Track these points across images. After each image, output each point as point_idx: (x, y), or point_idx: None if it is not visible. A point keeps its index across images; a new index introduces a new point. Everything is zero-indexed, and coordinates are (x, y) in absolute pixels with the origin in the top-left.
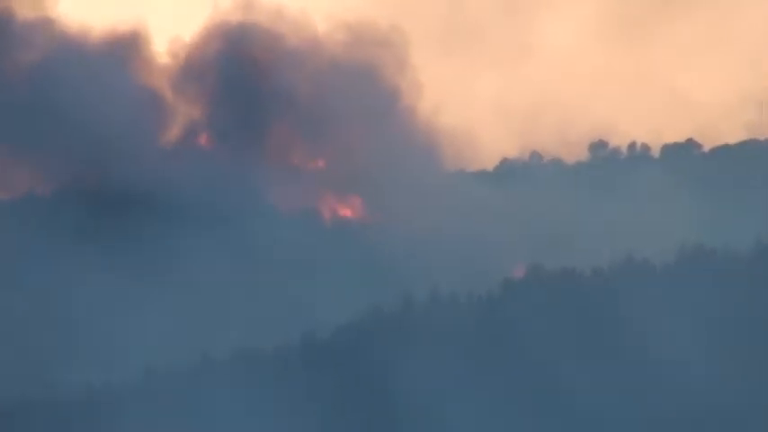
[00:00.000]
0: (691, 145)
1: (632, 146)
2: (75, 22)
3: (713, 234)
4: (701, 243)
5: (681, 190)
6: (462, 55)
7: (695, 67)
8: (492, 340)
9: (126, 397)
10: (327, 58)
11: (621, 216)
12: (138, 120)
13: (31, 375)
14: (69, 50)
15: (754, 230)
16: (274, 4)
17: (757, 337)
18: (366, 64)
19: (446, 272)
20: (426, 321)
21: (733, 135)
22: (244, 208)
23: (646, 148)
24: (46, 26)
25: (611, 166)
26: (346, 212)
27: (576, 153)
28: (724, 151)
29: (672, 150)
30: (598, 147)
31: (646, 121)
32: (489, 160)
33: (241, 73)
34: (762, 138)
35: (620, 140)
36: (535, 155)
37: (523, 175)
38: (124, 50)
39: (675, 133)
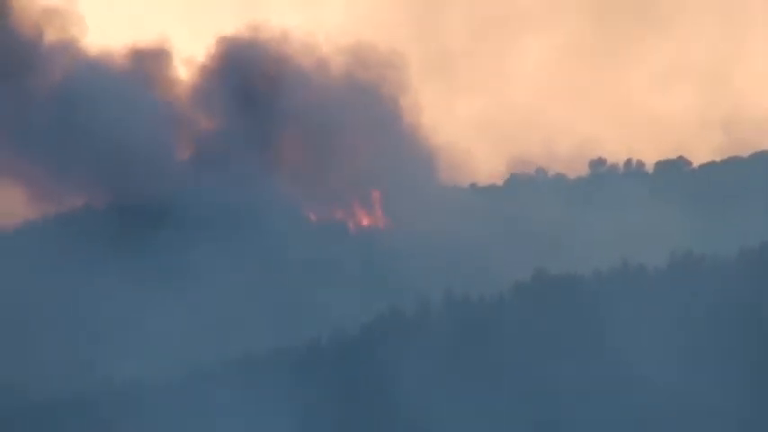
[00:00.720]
0: (681, 162)
1: (628, 162)
2: (97, 43)
3: (702, 242)
4: (690, 250)
5: (672, 202)
6: (451, 77)
7: (666, 89)
8: (502, 340)
9: (153, 395)
10: (332, 78)
11: (619, 225)
12: (158, 134)
13: (61, 376)
14: (94, 70)
15: (738, 238)
16: (281, 27)
17: (741, 335)
18: (368, 83)
19: (459, 276)
20: (440, 322)
21: (704, 154)
22: (259, 217)
23: (640, 164)
24: (71, 47)
25: (607, 181)
26: (362, 220)
27: (569, 169)
28: (711, 167)
29: (663, 166)
30: (597, 164)
31: (625, 138)
32: (496, 175)
33: (254, 90)
34: (745, 155)
35: (610, 156)
36: (540, 170)
37: (530, 188)
38: (146, 69)
39: (655, 152)
